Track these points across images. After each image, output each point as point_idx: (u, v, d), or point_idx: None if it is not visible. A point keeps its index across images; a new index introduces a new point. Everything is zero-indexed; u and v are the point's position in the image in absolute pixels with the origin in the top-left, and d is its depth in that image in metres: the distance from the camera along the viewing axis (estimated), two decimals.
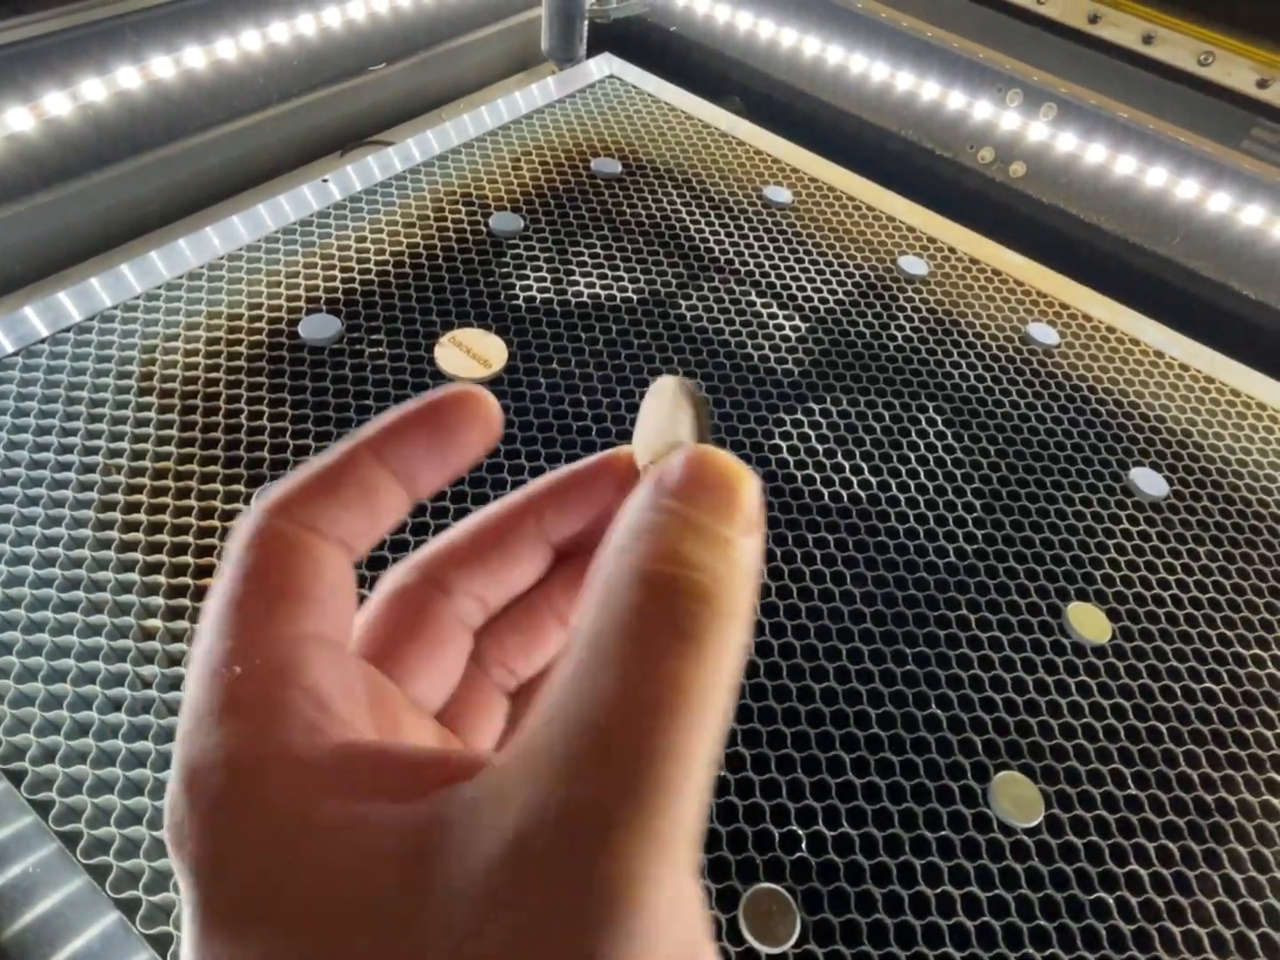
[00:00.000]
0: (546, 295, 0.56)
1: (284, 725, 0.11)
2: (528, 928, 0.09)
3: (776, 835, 0.36)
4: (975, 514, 0.49)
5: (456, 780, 0.10)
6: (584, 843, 0.09)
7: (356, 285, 0.55)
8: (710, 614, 0.11)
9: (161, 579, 0.39)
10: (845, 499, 0.48)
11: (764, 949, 0.32)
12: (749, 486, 0.12)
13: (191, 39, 0.54)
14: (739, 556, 0.11)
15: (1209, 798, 0.39)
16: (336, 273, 0.55)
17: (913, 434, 0.53)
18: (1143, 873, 0.37)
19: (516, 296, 0.56)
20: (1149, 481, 0.52)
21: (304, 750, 0.11)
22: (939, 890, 0.35)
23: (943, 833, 0.37)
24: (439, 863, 0.09)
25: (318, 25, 0.62)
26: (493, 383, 0.50)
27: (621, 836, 0.09)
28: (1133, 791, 0.39)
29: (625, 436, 0.48)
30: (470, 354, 0.49)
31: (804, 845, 0.35)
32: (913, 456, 0.51)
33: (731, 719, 0.38)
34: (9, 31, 0.49)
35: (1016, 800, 0.38)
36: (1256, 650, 0.45)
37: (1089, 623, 0.45)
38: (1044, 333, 0.60)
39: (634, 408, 0.51)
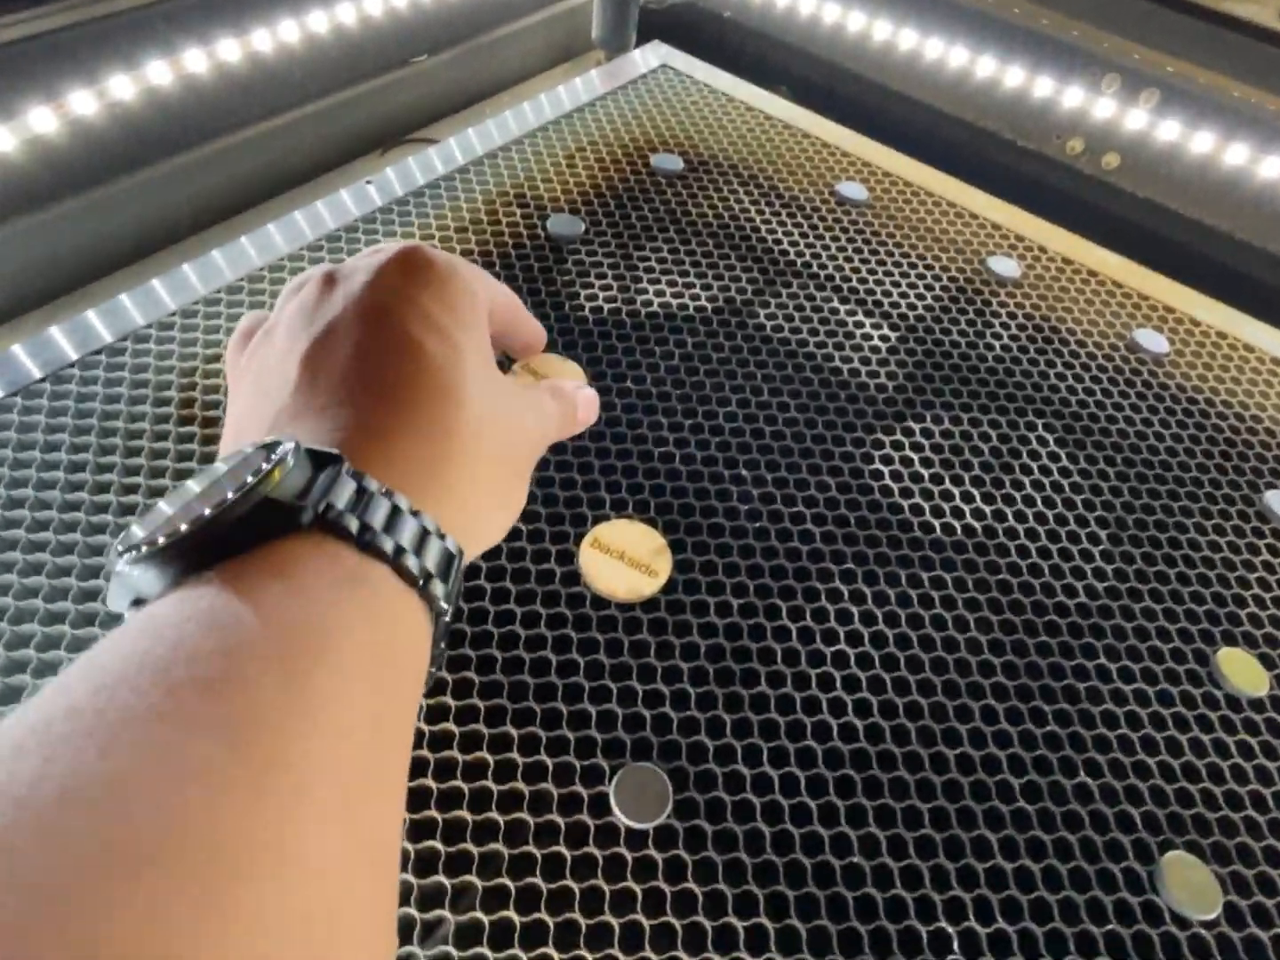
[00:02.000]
0: (614, 305, 0.52)
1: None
2: None
3: (924, 934, 0.31)
4: (1101, 546, 0.44)
5: None
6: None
7: None
8: None
9: None
10: (958, 530, 0.44)
11: None
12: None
13: (226, 29, 0.50)
14: None
15: None
16: None
17: (1024, 455, 0.48)
18: None
19: (582, 307, 0.51)
20: None
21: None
22: None
23: (1109, 927, 0.32)
24: None
25: (358, 14, 0.57)
26: None
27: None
28: None
29: (710, 462, 0.43)
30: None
31: (955, 947, 0.31)
32: (1026, 481, 0.46)
33: (865, 805, 0.34)
34: (29, 24, 0.45)
35: (1188, 886, 0.33)
36: None
37: (1242, 670, 0.40)
38: (1152, 340, 0.55)
39: (717, 429, 0.46)
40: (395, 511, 0.19)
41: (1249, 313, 0.59)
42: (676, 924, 0.30)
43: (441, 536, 0.19)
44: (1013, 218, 0.63)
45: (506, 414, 0.24)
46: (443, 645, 0.20)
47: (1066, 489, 0.46)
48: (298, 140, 0.57)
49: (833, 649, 0.38)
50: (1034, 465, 0.47)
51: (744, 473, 0.44)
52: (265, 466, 0.17)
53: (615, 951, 0.29)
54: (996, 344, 0.54)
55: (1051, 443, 0.49)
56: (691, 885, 0.31)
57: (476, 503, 0.22)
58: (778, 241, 0.58)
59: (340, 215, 0.55)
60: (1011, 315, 0.56)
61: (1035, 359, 0.53)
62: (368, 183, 0.56)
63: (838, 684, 0.37)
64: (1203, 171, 0.60)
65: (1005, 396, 0.51)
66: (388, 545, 0.18)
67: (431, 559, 0.19)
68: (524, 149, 0.62)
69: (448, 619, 0.20)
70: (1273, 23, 0.49)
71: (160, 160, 0.50)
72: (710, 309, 0.53)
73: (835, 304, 0.55)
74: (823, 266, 0.57)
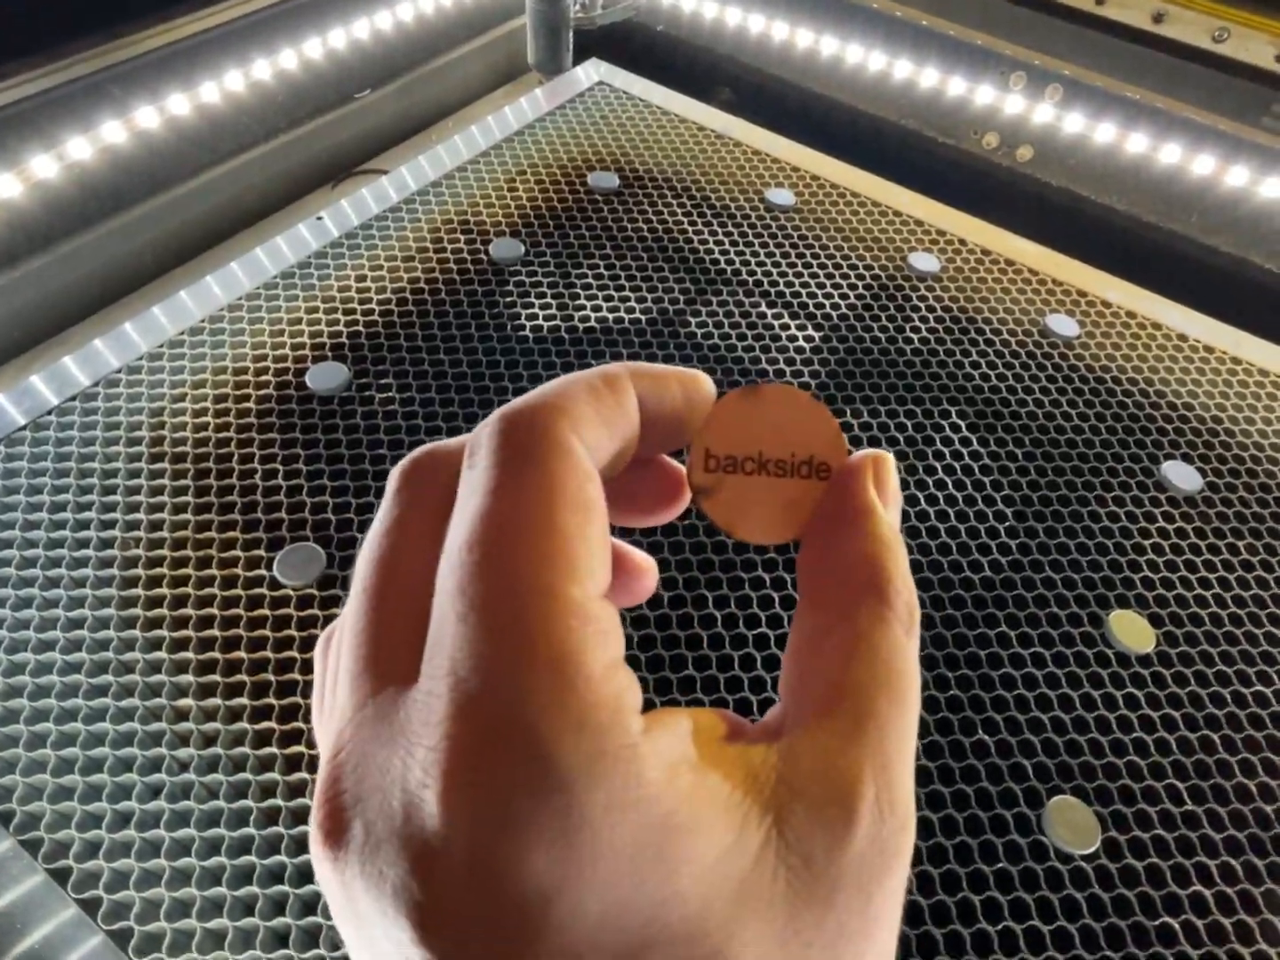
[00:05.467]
0: (553, 323, 0.55)
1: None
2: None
3: None
4: (1007, 523, 0.48)
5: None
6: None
7: (360, 328, 0.54)
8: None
9: (190, 655, 0.39)
10: None
11: None
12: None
13: (175, 85, 0.53)
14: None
15: (1269, 808, 0.39)
16: (340, 315, 0.54)
17: (937, 442, 0.51)
18: (1206, 893, 0.36)
19: (523, 327, 0.55)
20: (1182, 475, 0.51)
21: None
22: (1000, 926, 0.34)
23: (999, 865, 0.36)
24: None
25: (299, 58, 0.60)
26: None
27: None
28: (1190, 807, 0.38)
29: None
30: None
31: None
32: (939, 466, 0.50)
33: None
34: None
35: (1071, 825, 0.37)
36: None
37: (1132, 631, 0.44)
38: (1063, 324, 0.59)
39: None
40: None
41: (1157, 290, 0.62)
42: None
43: None
44: (935, 213, 0.66)
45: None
46: None
47: (976, 471, 0.50)
48: (250, 180, 0.61)
49: (754, 631, 0.42)
50: (946, 451, 0.51)
51: None
52: None
53: None
54: (915, 337, 0.57)
55: (964, 428, 0.52)
56: None
57: None
58: (709, 251, 0.62)
59: (298, 249, 0.59)
60: (930, 309, 0.59)
61: (951, 350, 0.57)
62: (319, 218, 0.60)
63: (758, 663, 0.41)
64: (1107, 160, 0.63)
65: (921, 387, 0.54)
66: None
67: None
68: (467, 175, 0.65)
69: None
70: (1147, 25, 0.53)
71: (116, 214, 0.53)
72: (644, 320, 0.56)
73: (763, 309, 0.58)
74: (751, 273, 0.60)
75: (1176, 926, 0.35)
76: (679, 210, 0.64)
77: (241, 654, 0.39)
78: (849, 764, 0.12)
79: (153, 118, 0.52)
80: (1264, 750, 0.40)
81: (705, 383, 0.15)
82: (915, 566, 0.45)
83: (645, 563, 0.16)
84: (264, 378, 0.50)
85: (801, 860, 0.11)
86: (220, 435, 0.47)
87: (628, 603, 0.16)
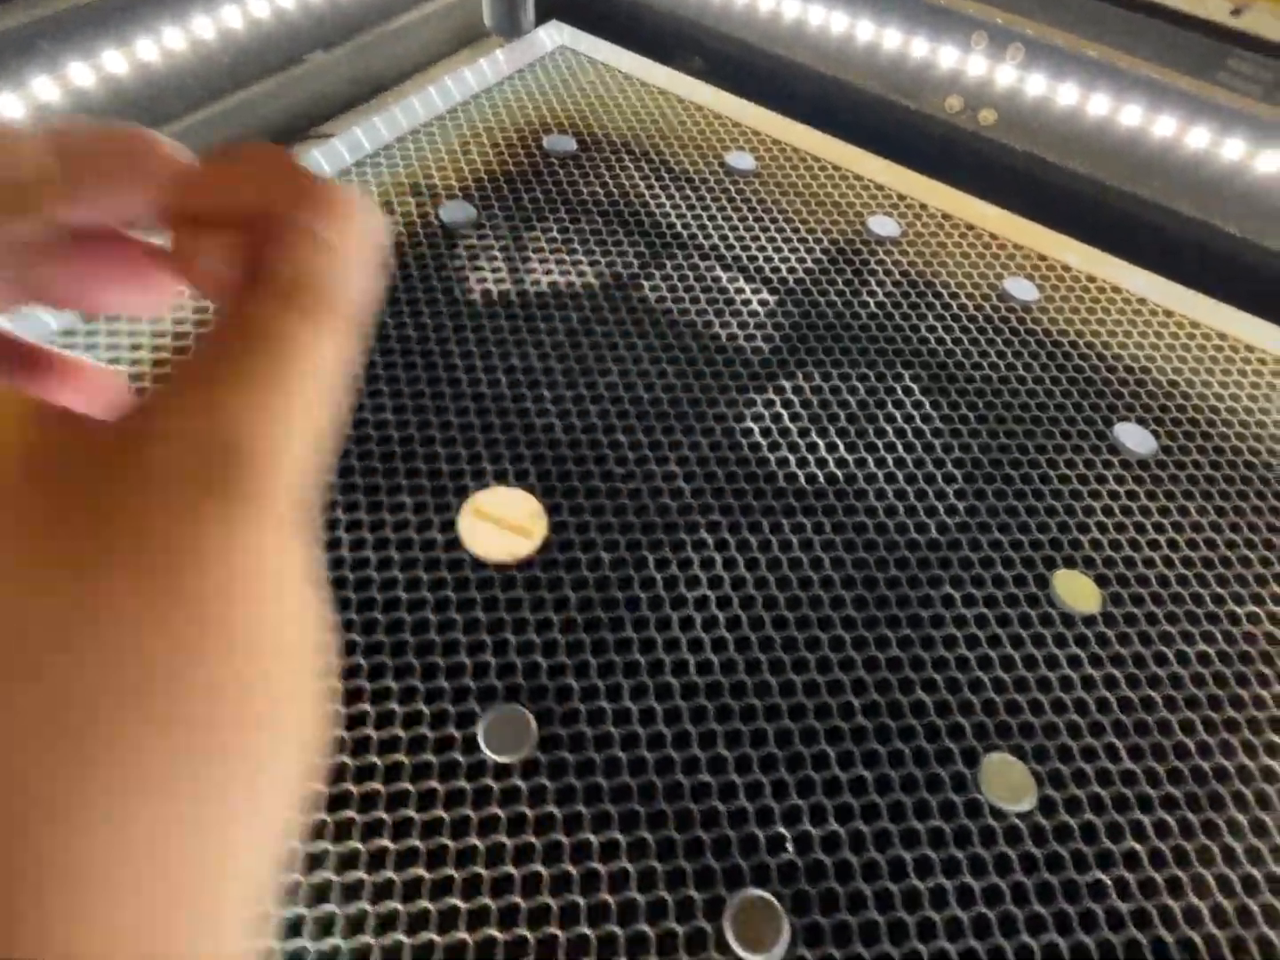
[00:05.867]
0: (503, 287, 0.54)
1: None
2: None
3: (761, 838, 0.35)
4: (956, 485, 0.47)
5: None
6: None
7: None
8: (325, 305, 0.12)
9: None
10: (821, 479, 0.47)
11: (751, 958, 0.32)
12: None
13: (110, 42, 0.52)
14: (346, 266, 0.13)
15: (1206, 765, 0.38)
16: None
17: (889, 405, 0.51)
18: (1140, 849, 0.36)
19: (472, 290, 0.54)
20: (1135, 438, 0.50)
21: None
22: (932, 884, 0.34)
23: (933, 823, 0.36)
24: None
25: (245, 16, 0.59)
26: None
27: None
28: (1127, 765, 0.38)
29: (589, 430, 0.46)
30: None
31: (790, 846, 0.35)
32: (889, 429, 0.50)
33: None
34: None
35: (1008, 784, 0.37)
36: (1252, 607, 0.44)
37: (1077, 591, 0.44)
38: (1021, 288, 0.58)
39: (598, 398, 0.49)
40: None
41: (1119, 255, 0.61)
42: (535, 842, 0.34)
43: None
44: (896, 178, 0.65)
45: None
46: None
47: (927, 434, 0.50)
48: (195, 145, 0.59)
49: (694, 594, 0.42)
50: (898, 414, 0.50)
51: (621, 438, 0.47)
52: None
53: (479, 868, 0.33)
54: (871, 301, 0.57)
55: (917, 391, 0.52)
56: (552, 809, 0.35)
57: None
58: (665, 215, 0.61)
59: None
60: (889, 272, 0.59)
61: (908, 314, 0.56)
62: None
63: (697, 625, 0.40)
64: (1070, 123, 0.62)
65: (876, 351, 0.54)
66: None
67: None
68: (420, 138, 0.64)
69: None
70: None
71: None
72: (597, 285, 0.56)
73: (718, 272, 0.57)
74: (708, 237, 0.59)
75: (1109, 881, 0.35)
76: (637, 174, 0.63)
77: None
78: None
79: (87, 75, 0.51)
80: (1204, 708, 0.40)
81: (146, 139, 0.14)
82: (860, 528, 0.45)
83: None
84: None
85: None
86: None
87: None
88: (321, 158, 0.62)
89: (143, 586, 0.10)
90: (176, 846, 0.09)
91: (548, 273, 0.56)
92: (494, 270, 0.55)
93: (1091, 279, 0.60)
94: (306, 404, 0.12)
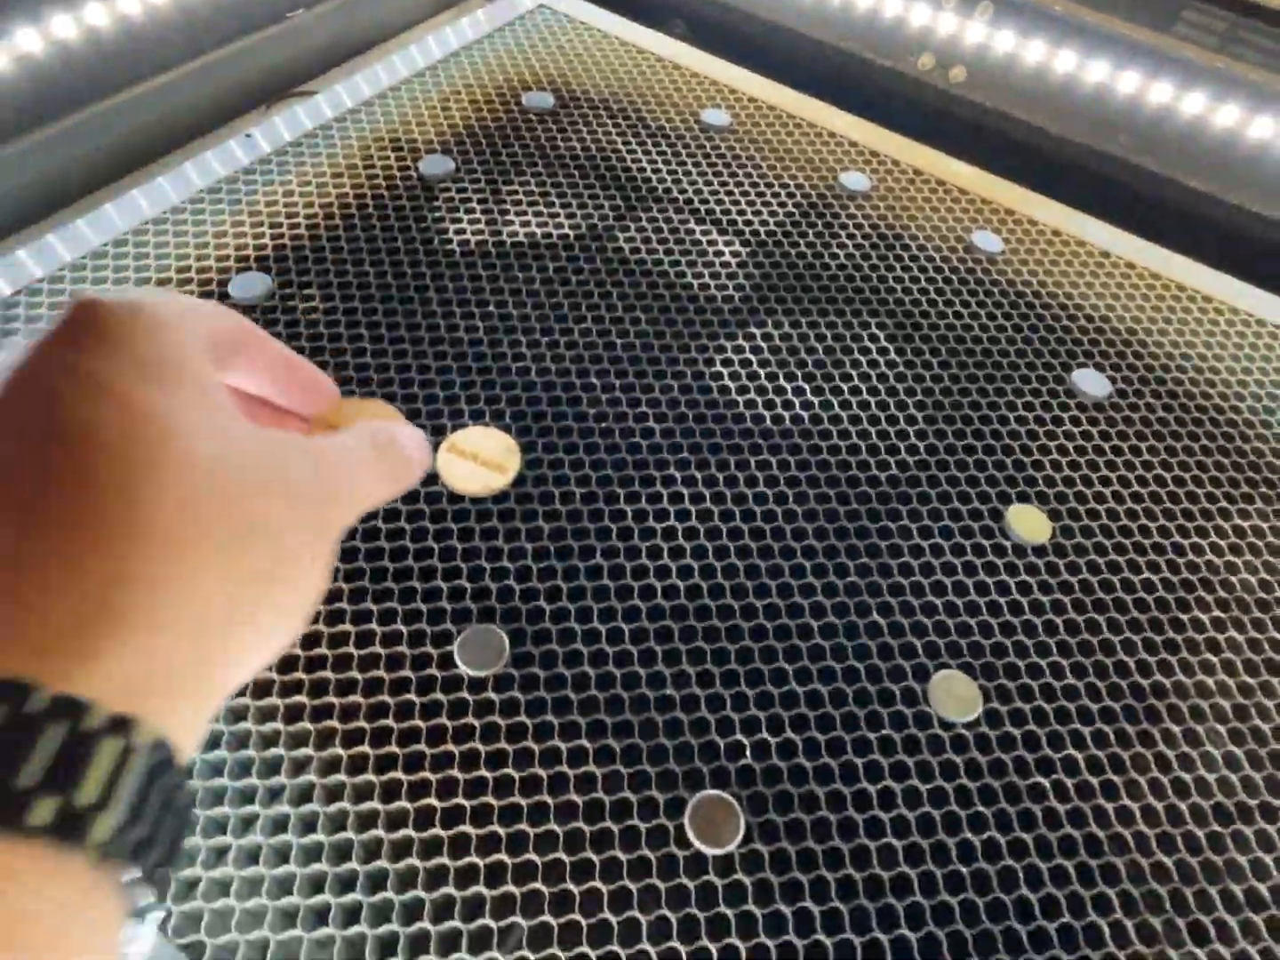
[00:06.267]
0: (481, 238, 0.56)
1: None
2: None
3: (722, 745, 0.37)
4: (917, 426, 0.49)
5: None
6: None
7: (286, 241, 0.54)
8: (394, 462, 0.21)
9: None
10: (786, 421, 0.49)
11: (710, 850, 0.34)
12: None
13: None
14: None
15: (1144, 682, 0.41)
16: (266, 229, 0.55)
17: (855, 352, 0.53)
18: (1078, 756, 0.38)
19: (450, 241, 0.55)
20: (1091, 382, 0.52)
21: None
22: (880, 785, 0.36)
23: (884, 732, 0.38)
24: None
25: None
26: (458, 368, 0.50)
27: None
28: (1070, 681, 0.40)
29: (563, 374, 0.47)
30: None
31: (748, 753, 0.37)
32: (854, 374, 0.51)
33: (654, 641, 0.40)
34: None
35: (956, 697, 0.39)
36: (1196, 539, 0.46)
37: (1029, 524, 0.46)
38: (988, 240, 0.60)
39: (572, 344, 0.51)
40: (14, 721, 0.13)
41: (1088, 211, 0.63)
42: (508, 749, 0.36)
43: (96, 735, 0.13)
44: (870, 135, 0.67)
45: (262, 471, 0.17)
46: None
47: (891, 379, 0.51)
48: (178, 100, 0.60)
49: (663, 525, 0.43)
50: (863, 360, 0.52)
51: (594, 381, 0.49)
52: None
53: (455, 771, 0.35)
54: (841, 253, 0.58)
55: (882, 339, 0.54)
56: (523, 719, 0.37)
57: (216, 594, 0.16)
58: (641, 170, 0.62)
59: (229, 164, 0.59)
60: (858, 226, 0.60)
61: (876, 265, 0.58)
62: (248, 135, 0.60)
63: (664, 553, 0.42)
64: (1037, 79, 0.63)
65: (844, 300, 0.55)
66: None
67: (85, 783, 0.13)
68: (400, 94, 0.65)
69: (151, 859, 0.14)
70: None
71: (39, 128, 0.53)
72: (573, 236, 0.57)
73: (692, 225, 0.59)
74: (683, 191, 0.61)
75: (1047, 785, 0.37)
76: (614, 130, 0.64)
77: None
78: None
79: (69, 27, 0.52)
80: (1145, 630, 0.42)
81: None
82: (823, 465, 0.47)
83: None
84: (187, 288, 0.51)
85: None
86: None
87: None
88: (303, 113, 0.63)
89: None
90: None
91: (525, 224, 0.57)
92: (472, 222, 0.57)
93: (1057, 233, 0.62)
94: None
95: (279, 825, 0.34)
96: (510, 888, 0.33)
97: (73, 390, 0.15)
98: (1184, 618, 0.43)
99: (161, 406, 0.16)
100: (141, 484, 0.15)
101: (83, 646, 0.14)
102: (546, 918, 0.32)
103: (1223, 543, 0.46)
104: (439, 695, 0.37)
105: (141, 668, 0.14)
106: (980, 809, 0.36)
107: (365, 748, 0.35)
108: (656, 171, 0.62)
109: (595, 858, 0.34)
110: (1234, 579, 0.45)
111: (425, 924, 0.32)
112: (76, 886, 0.13)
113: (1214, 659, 0.42)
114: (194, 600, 0.15)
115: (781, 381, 0.50)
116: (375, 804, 0.34)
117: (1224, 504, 0.48)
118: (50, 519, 0.14)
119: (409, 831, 0.34)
